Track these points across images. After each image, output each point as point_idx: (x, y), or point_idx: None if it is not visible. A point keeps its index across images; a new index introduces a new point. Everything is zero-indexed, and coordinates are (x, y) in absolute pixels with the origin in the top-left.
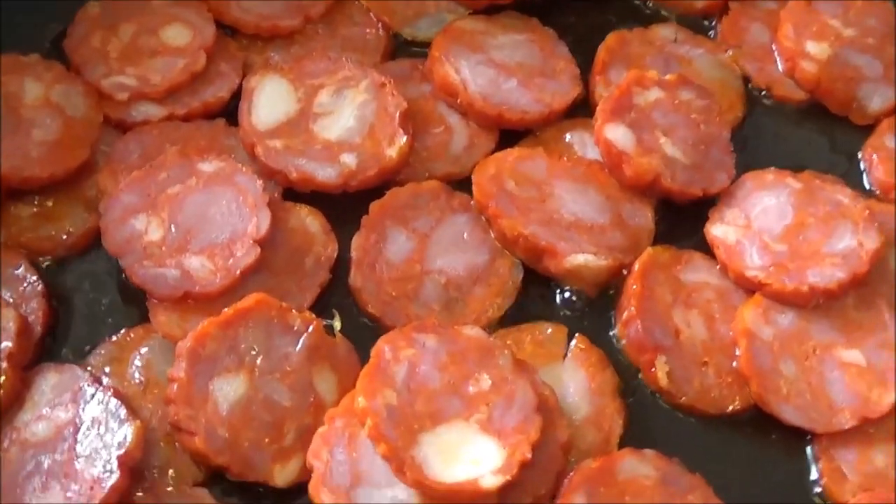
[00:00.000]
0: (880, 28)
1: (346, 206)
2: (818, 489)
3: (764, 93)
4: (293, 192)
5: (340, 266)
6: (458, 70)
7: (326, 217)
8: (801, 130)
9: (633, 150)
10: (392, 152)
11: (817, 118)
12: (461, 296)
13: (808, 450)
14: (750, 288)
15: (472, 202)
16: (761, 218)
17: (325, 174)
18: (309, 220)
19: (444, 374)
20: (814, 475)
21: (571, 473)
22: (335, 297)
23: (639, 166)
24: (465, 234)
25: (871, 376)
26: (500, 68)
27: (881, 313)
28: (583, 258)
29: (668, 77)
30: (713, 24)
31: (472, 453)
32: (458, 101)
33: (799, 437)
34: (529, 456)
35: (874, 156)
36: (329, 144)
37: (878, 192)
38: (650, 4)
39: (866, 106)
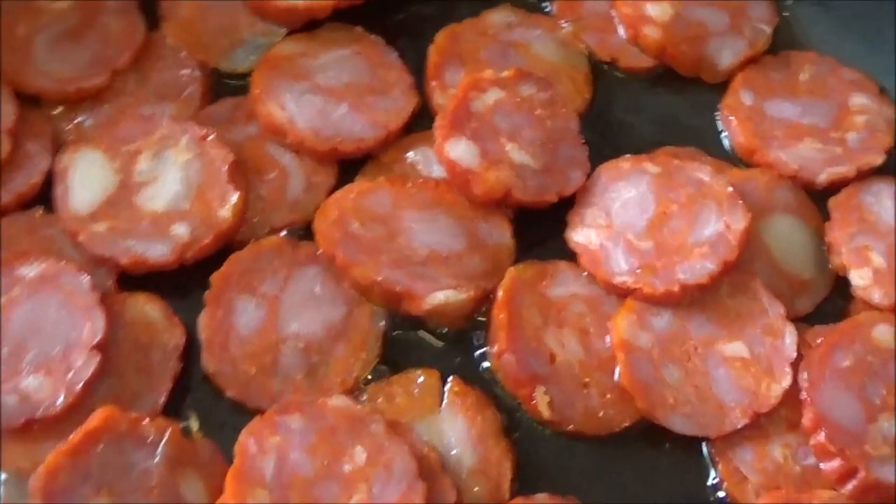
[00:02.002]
0: None
1: (187, 282)
2: (721, 493)
3: (610, 66)
4: (128, 277)
5: (193, 350)
6: (282, 106)
7: (167, 299)
8: (655, 100)
9: (479, 165)
10: (226, 213)
11: (670, 83)
12: (323, 358)
13: (705, 453)
14: (620, 294)
15: (318, 252)
16: (622, 214)
17: (157, 252)
18: (148, 309)
19: (315, 458)
20: (714, 479)
21: None
22: (192, 386)
23: (487, 182)
24: (317, 289)
25: (756, 367)
26: (327, 94)
27: (757, 297)
28: (443, 296)
29: (504, 74)
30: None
31: None
32: (288, 139)
33: (694, 441)
34: None
35: (731, 118)
36: (157, 217)
37: (740, 156)
38: None
39: (717, 63)
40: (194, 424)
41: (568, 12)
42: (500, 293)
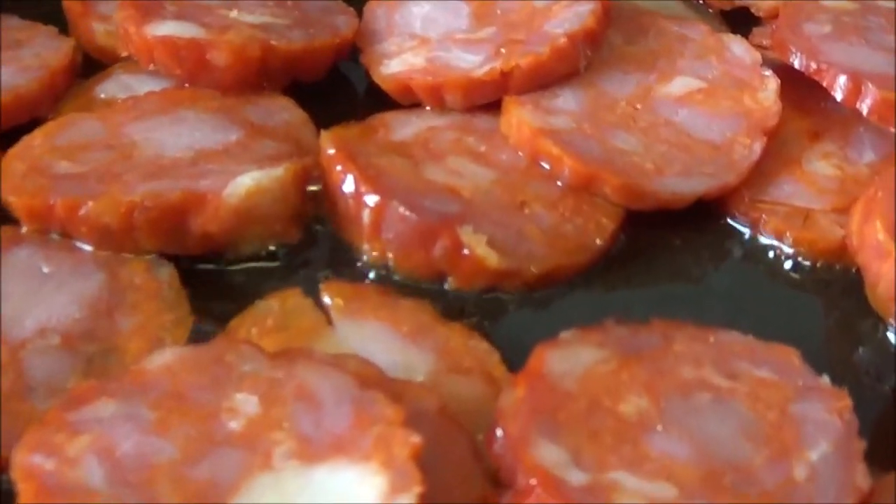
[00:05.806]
0: None
1: None
2: (789, 264)
3: None
4: None
5: None
6: None
7: None
8: None
9: (207, 34)
10: None
11: None
12: (106, 343)
13: (730, 222)
14: (493, 92)
15: (22, 230)
16: (432, 27)
17: None
18: None
19: (172, 435)
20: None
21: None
22: None
23: (231, 45)
24: (44, 268)
25: (725, 88)
26: None
27: (664, 30)
28: (249, 179)
29: None
30: None
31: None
32: None
33: (709, 216)
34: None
35: None
36: None
37: None
38: None
39: None
40: None
41: None
42: (330, 151)
